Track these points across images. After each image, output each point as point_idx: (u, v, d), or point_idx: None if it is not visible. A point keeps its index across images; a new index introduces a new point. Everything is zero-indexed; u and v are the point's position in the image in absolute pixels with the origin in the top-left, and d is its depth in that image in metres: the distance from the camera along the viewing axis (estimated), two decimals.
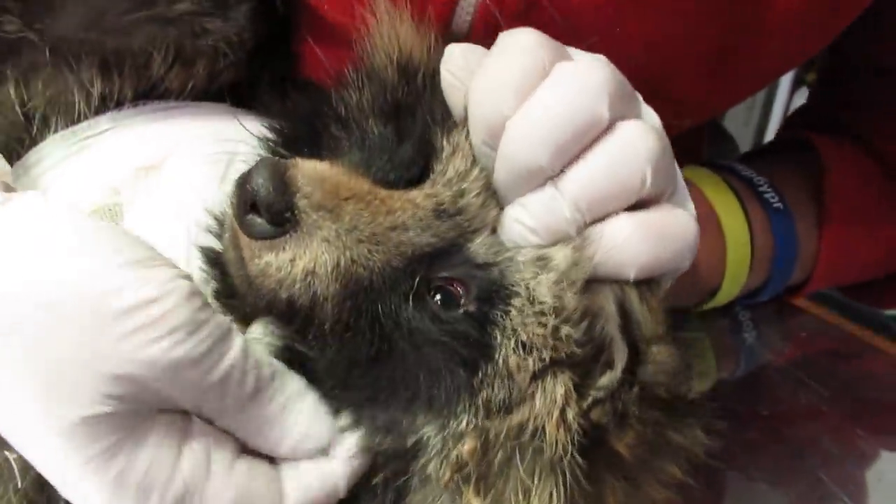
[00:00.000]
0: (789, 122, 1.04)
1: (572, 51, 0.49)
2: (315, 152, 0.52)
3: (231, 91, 0.66)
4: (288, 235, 0.44)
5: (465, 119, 0.49)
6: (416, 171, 0.50)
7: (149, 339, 0.39)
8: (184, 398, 0.41)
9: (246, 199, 0.43)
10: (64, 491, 0.41)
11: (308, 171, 0.44)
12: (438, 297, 0.46)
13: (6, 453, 0.45)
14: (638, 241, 0.45)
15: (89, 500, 0.40)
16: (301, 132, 0.54)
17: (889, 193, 0.86)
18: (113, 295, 0.39)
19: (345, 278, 0.45)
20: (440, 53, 0.52)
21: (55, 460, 0.40)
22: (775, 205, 0.83)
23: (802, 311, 1.05)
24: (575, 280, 0.45)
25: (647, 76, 0.61)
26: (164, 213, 0.53)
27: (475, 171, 0.49)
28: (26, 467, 0.44)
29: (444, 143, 0.50)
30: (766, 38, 0.65)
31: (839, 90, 0.94)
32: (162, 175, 0.55)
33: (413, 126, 0.51)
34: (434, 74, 0.52)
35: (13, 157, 0.59)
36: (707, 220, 0.80)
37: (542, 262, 0.46)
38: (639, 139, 0.45)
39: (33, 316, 0.39)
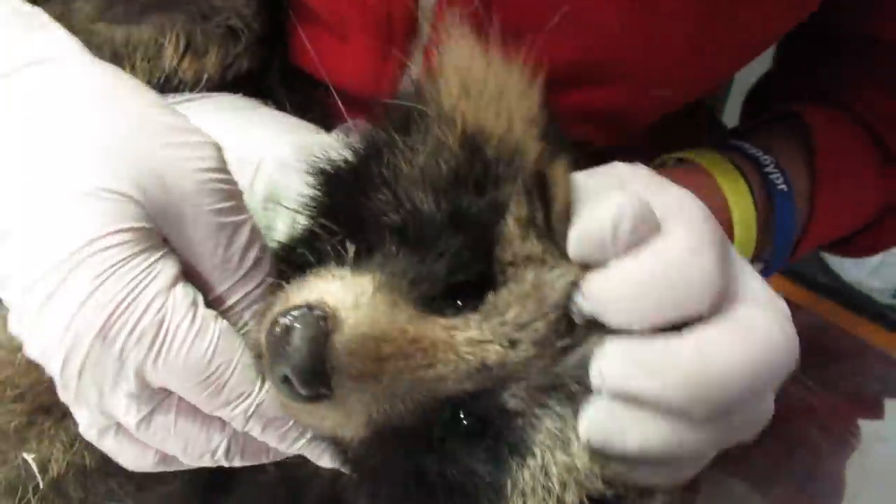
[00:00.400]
0: (757, 93, 1.01)
1: (753, 288, 0.43)
2: (356, 237, 0.46)
3: (242, 85, 0.64)
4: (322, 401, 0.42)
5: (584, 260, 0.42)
6: (471, 278, 0.44)
7: (191, 155, 0.42)
8: (190, 233, 0.42)
9: (280, 364, 0.41)
10: (42, 286, 0.39)
11: (350, 335, 0.41)
12: (465, 422, 0.44)
13: (24, 454, 0.45)
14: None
15: (73, 292, 0.39)
16: (344, 207, 0.49)
17: (873, 155, 0.85)
18: (166, 116, 0.44)
19: (374, 425, 0.43)
20: (533, 123, 0.45)
21: (59, 229, 0.39)
22: (780, 186, 0.80)
23: (797, 306, 1.06)
24: (584, 483, 0.43)
25: (627, 56, 0.60)
26: None
27: (541, 323, 0.42)
28: (45, 467, 0.45)
29: (518, 268, 0.43)
30: (748, 9, 0.64)
31: (808, 58, 0.91)
32: None
33: (476, 205, 0.44)
34: (517, 150, 0.44)
35: None
36: (718, 211, 0.79)
37: (562, 439, 0.43)
38: None
39: (99, 104, 0.43)
